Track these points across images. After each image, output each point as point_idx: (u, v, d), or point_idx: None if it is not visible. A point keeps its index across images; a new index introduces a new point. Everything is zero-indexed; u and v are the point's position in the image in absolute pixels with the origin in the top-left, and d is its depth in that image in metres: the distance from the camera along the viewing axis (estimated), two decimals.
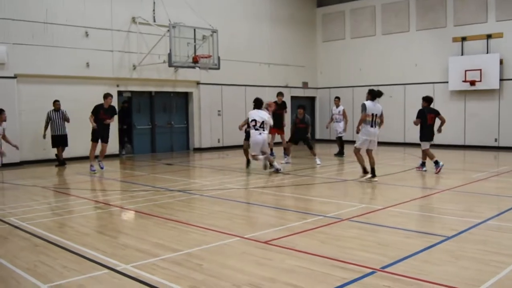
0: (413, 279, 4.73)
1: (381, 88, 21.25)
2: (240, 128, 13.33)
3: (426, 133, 12.75)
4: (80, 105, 15.66)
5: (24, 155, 15.02)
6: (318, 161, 14.30)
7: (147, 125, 18.93)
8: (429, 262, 5.30)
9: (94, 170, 13.40)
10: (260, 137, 12.24)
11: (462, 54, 19.90)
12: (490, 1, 19.24)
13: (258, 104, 12.63)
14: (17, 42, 14.95)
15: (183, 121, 20.01)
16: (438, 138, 20.17)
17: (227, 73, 19.61)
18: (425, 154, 12.78)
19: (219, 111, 19.84)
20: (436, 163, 12.37)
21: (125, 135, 18.35)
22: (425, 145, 12.74)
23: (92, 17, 16.54)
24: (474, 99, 19.78)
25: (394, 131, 21.30)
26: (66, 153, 15.31)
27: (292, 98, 23.48)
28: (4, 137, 12.24)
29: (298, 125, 14.54)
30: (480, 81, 19.13)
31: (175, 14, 17.33)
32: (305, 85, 24.35)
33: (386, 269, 5.02)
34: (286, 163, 14.67)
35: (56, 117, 14.78)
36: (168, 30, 16.34)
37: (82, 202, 9.35)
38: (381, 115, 11.20)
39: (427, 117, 12.71)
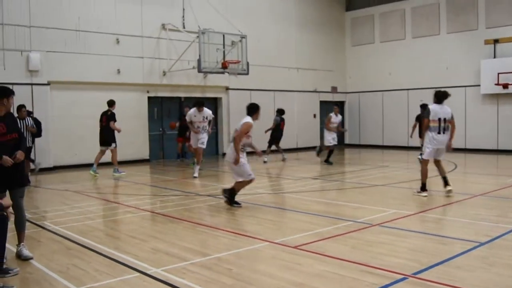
0: (445, 286, 4.66)
1: (411, 92, 21.61)
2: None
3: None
4: None
5: (56, 160, 15.32)
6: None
7: (177, 130, 19.02)
8: (462, 268, 5.21)
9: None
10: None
11: (494, 57, 19.52)
12: None
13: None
14: (50, 50, 15.28)
15: (212, 126, 20.03)
16: (470, 143, 20.14)
17: (256, 78, 19.63)
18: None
19: None
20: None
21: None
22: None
23: (123, 24, 16.80)
24: (507, 102, 19.37)
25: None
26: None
27: (321, 102, 23.48)
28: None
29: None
30: None
31: (204, 20, 17.44)
32: (334, 90, 24.23)
33: (417, 275, 4.95)
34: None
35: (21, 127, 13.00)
36: (198, 36, 16.48)
37: (113, 206, 9.49)
38: (452, 119, 9.66)
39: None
